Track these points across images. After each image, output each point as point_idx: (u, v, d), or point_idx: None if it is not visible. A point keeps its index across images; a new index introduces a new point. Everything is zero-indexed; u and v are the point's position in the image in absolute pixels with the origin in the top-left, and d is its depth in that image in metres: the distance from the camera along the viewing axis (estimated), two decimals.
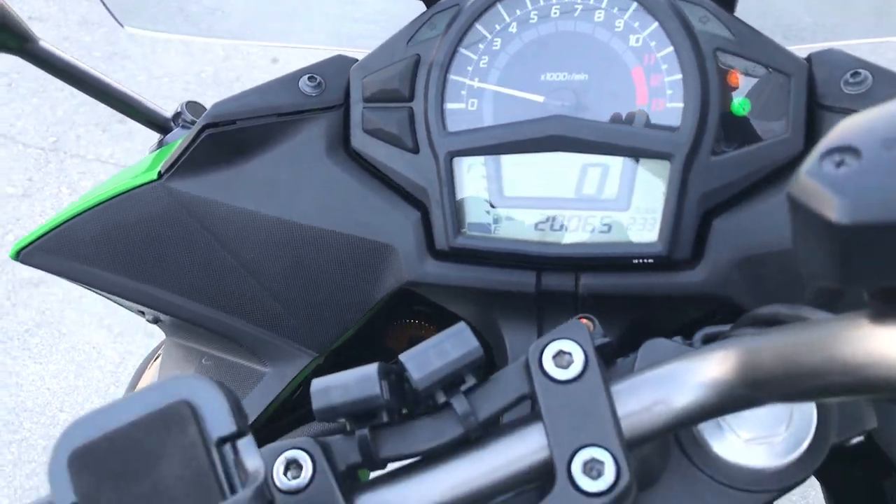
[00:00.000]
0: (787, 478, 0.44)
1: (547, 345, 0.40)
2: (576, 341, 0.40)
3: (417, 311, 0.74)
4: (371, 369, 0.39)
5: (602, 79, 0.56)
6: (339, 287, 0.61)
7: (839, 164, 0.28)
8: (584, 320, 0.48)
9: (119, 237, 0.61)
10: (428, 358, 0.39)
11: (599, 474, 0.37)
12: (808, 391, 0.34)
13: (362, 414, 0.40)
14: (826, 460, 0.44)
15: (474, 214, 0.57)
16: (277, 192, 0.60)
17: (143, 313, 0.68)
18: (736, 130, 0.54)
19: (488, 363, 0.41)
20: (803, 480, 0.44)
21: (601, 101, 0.56)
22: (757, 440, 0.44)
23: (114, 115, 2.71)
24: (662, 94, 0.55)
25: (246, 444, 0.33)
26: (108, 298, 0.66)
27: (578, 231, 0.55)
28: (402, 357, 0.40)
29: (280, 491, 0.39)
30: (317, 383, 0.40)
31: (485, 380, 0.41)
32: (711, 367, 0.38)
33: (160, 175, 0.61)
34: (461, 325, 0.40)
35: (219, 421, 0.33)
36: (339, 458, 0.41)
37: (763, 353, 0.36)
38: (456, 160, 0.56)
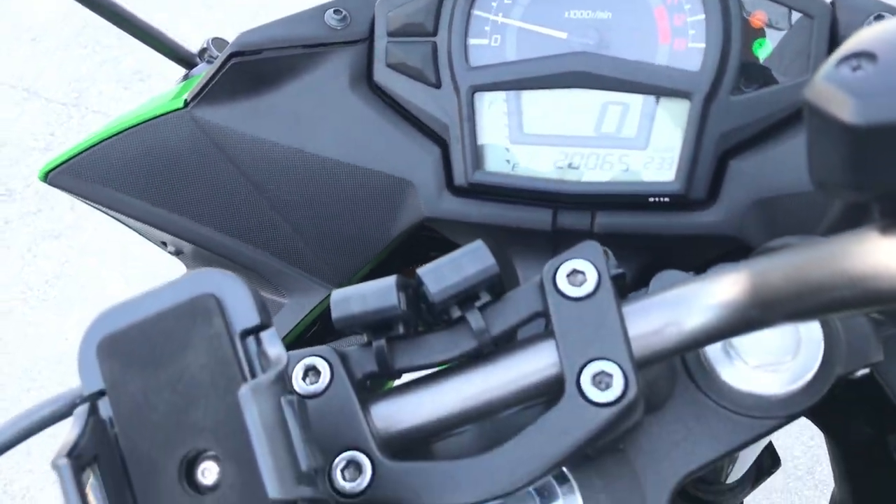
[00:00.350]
0: (792, 405, 0.45)
1: (561, 264, 0.41)
2: (589, 261, 0.41)
3: (434, 258, 0.75)
4: (389, 281, 0.40)
5: (625, 17, 0.56)
6: (358, 222, 0.62)
7: (855, 69, 0.28)
8: None
9: (144, 163, 0.62)
10: (445, 272, 0.40)
11: (608, 386, 0.38)
12: (816, 307, 0.35)
13: (379, 324, 0.41)
14: (830, 397, 0.45)
15: (493, 151, 0.58)
16: (300, 124, 0.61)
17: (164, 245, 0.70)
18: (757, 72, 0.55)
19: (502, 293, 0.42)
20: (807, 410, 0.45)
21: (623, 40, 0.56)
22: (764, 367, 0.44)
23: (135, 74, 2.74)
24: (684, 34, 0.55)
25: (269, 336, 0.34)
26: (130, 227, 0.68)
27: (596, 169, 0.56)
28: (420, 271, 0.41)
29: (298, 395, 0.41)
30: (337, 294, 0.41)
31: (499, 298, 0.42)
32: (722, 290, 0.39)
33: (186, 103, 0.62)
34: (478, 242, 0.41)
35: (243, 313, 0.34)
36: (356, 367, 0.42)
37: (772, 274, 0.37)
38: (477, 95, 0.57)
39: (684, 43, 0.55)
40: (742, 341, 0.45)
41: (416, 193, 0.59)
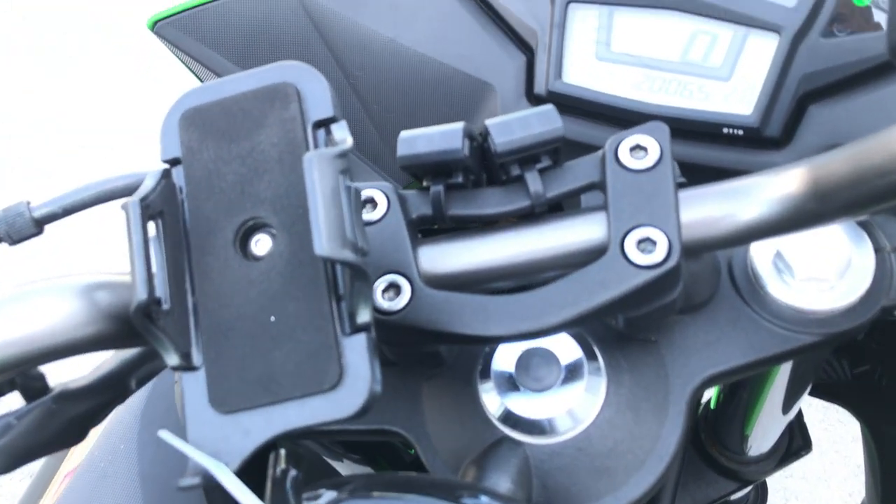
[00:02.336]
0: (832, 325, 0.44)
1: (625, 137, 0.42)
2: (654, 137, 0.42)
3: None
4: (456, 125, 0.42)
5: None
6: (434, 120, 0.63)
7: None
8: None
9: (246, 30, 0.65)
10: (513, 127, 0.42)
11: (650, 252, 0.39)
12: (874, 195, 0.35)
13: (441, 168, 0.42)
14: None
15: (577, 64, 0.59)
16: (397, 14, 0.63)
17: None
18: (853, 16, 0.54)
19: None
20: (848, 333, 0.45)
21: None
22: (810, 282, 0.45)
23: None
24: None
25: (338, 127, 0.36)
26: None
27: (675, 95, 0.57)
28: (488, 122, 0.42)
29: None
30: (404, 133, 0.43)
31: (559, 165, 0.43)
32: (780, 183, 0.39)
33: None
34: (549, 105, 0.42)
35: (318, 105, 0.36)
36: (411, 207, 0.44)
37: (832, 165, 0.37)
38: (571, 6, 0.58)
39: None
40: (793, 254, 0.45)
41: (495, 97, 0.61)
